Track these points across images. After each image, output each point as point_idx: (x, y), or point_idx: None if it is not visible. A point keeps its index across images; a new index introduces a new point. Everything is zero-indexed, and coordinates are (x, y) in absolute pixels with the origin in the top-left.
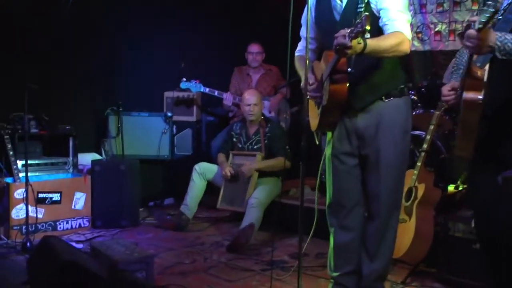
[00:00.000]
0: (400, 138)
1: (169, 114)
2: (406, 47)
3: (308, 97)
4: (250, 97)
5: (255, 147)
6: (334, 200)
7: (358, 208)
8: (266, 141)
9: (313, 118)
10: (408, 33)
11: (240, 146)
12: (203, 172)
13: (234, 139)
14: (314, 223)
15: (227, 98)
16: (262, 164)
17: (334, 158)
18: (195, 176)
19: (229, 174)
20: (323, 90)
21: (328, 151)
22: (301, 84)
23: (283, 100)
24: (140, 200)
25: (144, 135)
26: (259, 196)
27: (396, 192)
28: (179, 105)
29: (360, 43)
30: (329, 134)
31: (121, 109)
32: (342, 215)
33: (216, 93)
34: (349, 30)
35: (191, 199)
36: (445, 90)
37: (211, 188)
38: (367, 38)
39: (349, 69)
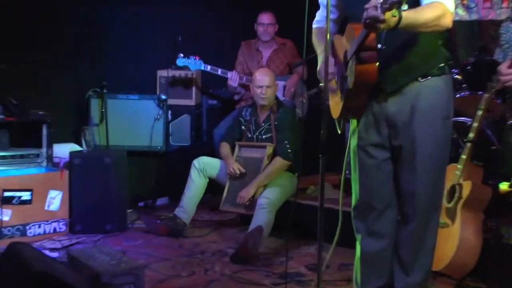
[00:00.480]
0: (439, 125)
1: (163, 97)
2: (447, 21)
3: (328, 79)
4: (263, 77)
5: (264, 136)
6: (361, 200)
7: (390, 210)
8: (275, 129)
9: (335, 103)
10: (450, 4)
11: (249, 136)
12: (203, 168)
13: (243, 127)
14: (338, 228)
15: (233, 78)
16: (259, 180)
17: (361, 151)
18: (193, 173)
19: (238, 172)
20: (347, 70)
21: (353, 142)
22: (319, 66)
23: (300, 81)
24: (128, 200)
25: (133, 122)
26: (270, 195)
27: (436, 190)
28: (175, 86)
29: (394, 16)
30: (354, 122)
31: (105, 91)
32: (371, 218)
33: (219, 72)
34: (381, 0)
35: (188, 200)
36: (503, 68)
37: (213, 186)
38: (403, 10)
39: (379, 46)
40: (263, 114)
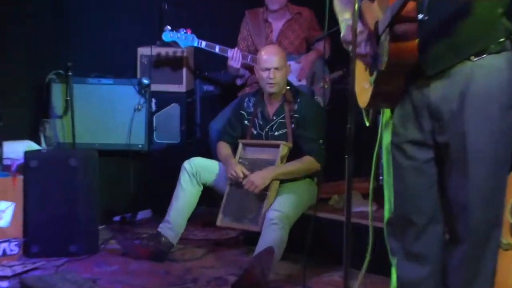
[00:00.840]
0: (497, 116)
1: (145, 81)
2: None
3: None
4: (270, 56)
5: (276, 133)
6: (397, 213)
7: (434, 226)
8: (293, 125)
9: (363, 89)
10: None
11: (255, 132)
12: (196, 172)
13: (246, 121)
14: (368, 249)
15: (235, 57)
16: (281, 169)
17: (396, 150)
18: (184, 178)
19: (241, 175)
20: (378, 47)
21: (386, 138)
22: (342, 35)
23: (320, 61)
24: (99, 214)
25: (106, 113)
26: (282, 207)
27: (495, 200)
28: (160, 68)
29: None
30: (386, 113)
31: (70, 73)
32: (410, 236)
33: (217, 50)
34: None
35: (176, 213)
36: None
37: (209, 195)
38: None
39: (420, 16)
40: (273, 105)
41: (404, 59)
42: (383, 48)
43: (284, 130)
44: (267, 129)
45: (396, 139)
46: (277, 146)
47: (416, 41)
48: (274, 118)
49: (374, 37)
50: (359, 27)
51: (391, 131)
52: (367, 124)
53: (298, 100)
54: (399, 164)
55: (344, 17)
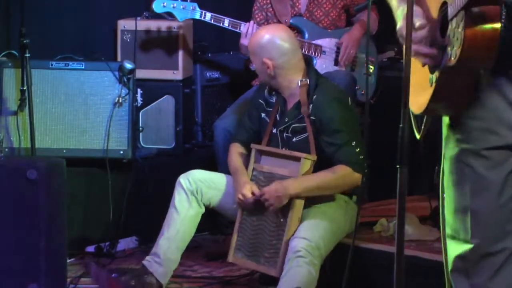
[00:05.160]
0: None
1: (128, 65)
2: None
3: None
4: (285, 36)
5: (294, 139)
6: (476, 243)
7: None
8: (313, 130)
9: (417, 90)
10: None
11: (274, 132)
12: (196, 189)
13: (264, 115)
14: None
15: (250, 34)
16: (306, 181)
17: (472, 157)
18: (179, 197)
19: (249, 195)
20: (446, 38)
21: (450, 150)
22: (398, 27)
23: (364, 38)
24: (67, 243)
25: (76, 109)
26: (310, 234)
27: None
28: (148, 48)
29: None
30: (445, 120)
31: (28, 54)
32: (487, 272)
33: (226, 24)
34: None
35: (167, 243)
36: None
37: (214, 219)
38: None
39: None
40: (293, 97)
41: (483, 50)
42: (453, 38)
43: (305, 135)
44: (282, 128)
45: (473, 146)
46: (298, 159)
47: (499, 25)
48: (291, 113)
49: (438, 27)
50: (418, 19)
51: (461, 136)
52: (418, 137)
53: (315, 97)
54: (479, 176)
55: (401, 5)
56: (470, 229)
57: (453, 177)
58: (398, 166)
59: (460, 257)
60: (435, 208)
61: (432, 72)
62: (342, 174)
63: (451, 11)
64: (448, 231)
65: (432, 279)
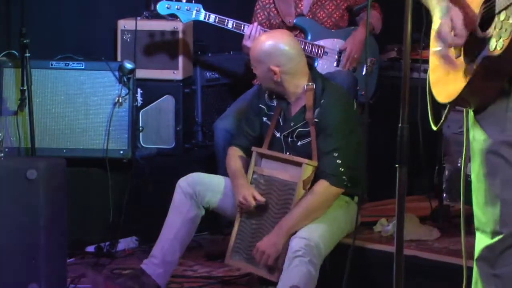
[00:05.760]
0: None
1: (129, 65)
2: None
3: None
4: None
5: (299, 143)
6: (508, 232)
7: None
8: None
9: (446, 79)
10: None
11: (277, 135)
12: (196, 192)
13: (265, 119)
14: None
15: (253, 36)
16: (293, 219)
17: (505, 148)
18: (179, 199)
19: (253, 202)
20: (490, 28)
21: (479, 143)
22: (437, 25)
23: (371, 39)
24: (67, 243)
25: (76, 108)
26: (310, 234)
27: None
28: (148, 48)
29: None
30: (471, 114)
31: (28, 54)
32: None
33: (230, 25)
34: None
35: (167, 245)
36: None
37: (213, 219)
38: None
39: None
40: (298, 101)
41: None
42: (501, 30)
43: (309, 139)
44: (286, 133)
45: (506, 137)
46: (299, 164)
47: None
48: (295, 117)
49: (476, 16)
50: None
51: (494, 128)
52: (434, 128)
53: (323, 101)
54: None
55: (440, 3)
56: (499, 219)
57: (483, 169)
58: (397, 165)
59: (488, 248)
60: (435, 208)
61: (468, 63)
62: (321, 192)
63: (500, 3)
64: (476, 224)
65: (432, 279)
